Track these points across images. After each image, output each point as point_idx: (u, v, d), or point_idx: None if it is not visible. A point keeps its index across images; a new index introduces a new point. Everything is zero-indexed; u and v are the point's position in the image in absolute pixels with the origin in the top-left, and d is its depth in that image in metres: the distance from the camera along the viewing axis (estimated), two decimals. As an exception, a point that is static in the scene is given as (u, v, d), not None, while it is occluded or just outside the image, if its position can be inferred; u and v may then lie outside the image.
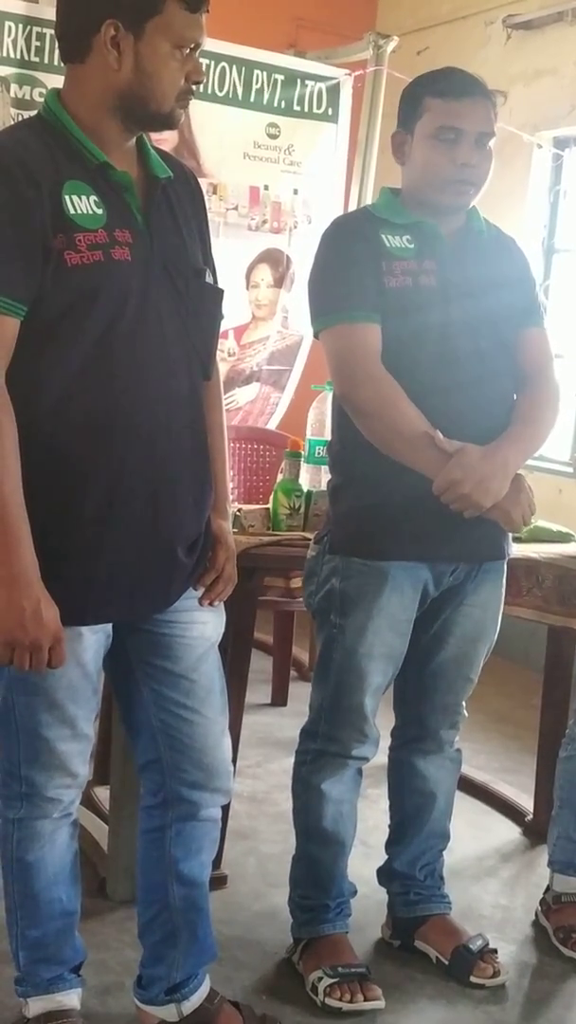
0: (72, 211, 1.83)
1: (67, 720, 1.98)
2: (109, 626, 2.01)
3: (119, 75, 1.85)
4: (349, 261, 2.30)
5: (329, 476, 2.49)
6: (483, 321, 2.33)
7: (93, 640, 1.97)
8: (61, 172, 1.84)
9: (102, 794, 2.91)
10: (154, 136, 2.02)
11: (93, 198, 1.86)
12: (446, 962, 2.53)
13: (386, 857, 2.65)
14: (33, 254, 1.79)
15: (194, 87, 1.89)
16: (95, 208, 1.86)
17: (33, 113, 1.98)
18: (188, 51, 1.86)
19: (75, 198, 1.84)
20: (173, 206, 1.98)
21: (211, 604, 2.08)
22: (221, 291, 2.04)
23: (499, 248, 2.44)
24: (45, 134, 1.88)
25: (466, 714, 2.59)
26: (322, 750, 2.44)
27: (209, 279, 2.02)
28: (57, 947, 2.13)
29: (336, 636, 2.38)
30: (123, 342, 1.86)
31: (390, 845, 2.64)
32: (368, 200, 4.47)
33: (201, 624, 2.06)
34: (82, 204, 1.84)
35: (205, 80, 4.24)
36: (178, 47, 1.84)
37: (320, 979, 2.40)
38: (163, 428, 1.92)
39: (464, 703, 2.57)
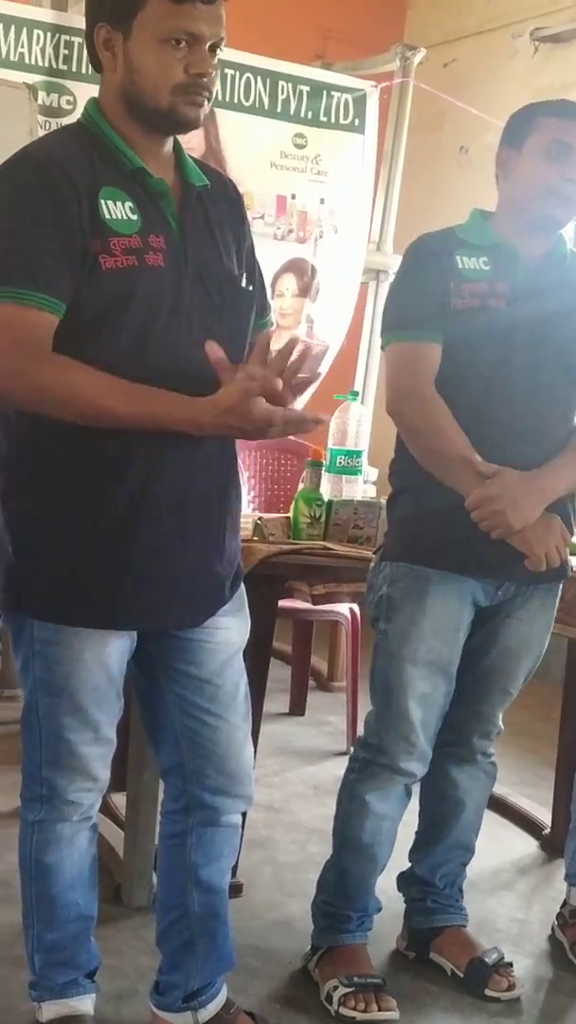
0: (108, 216, 1.84)
1: (90, 723, 1.98)
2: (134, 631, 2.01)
3: (116, 76, 1.87)
4: (419, 280, 2.34)
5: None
6: (548, 348, 2.34)
7: (118, 644, 1.98)
8: (98, 177, 1.85)
9: (118, 800, 2.91)
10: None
11: (128, 204, 1.87)
12: (461, 975, 2.52)
13: (408, 866, 2.64)
14: (73, 255, 1.81)
15: (202, 80, 1.85)
16: (130, 214, 1.87)
17: (62, 121, 2.00)
18: (184, 43, 1.83)
19: (111, 203, 1.85)
20: (208, 213, 1.99)
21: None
22: (252, 293, 2.03)
23: None
24: (84, 139, 1.90)
25: (502, 727, 2.58)
26: (370, 760, 2.43)
27: (244, 283, 2.02)
28: (73, 951, 2.13)
29: (381, 642, 2.39)
30: (156, 346, 1.87)
31: (414, 852, 2.64)
32: (393, 211, 4.49)
33: (226, 629, 2.06)
34: (117, 209, 1.85)
35: (231, 90, 4.29)
36: (167, 40, 1.82)
37: (335, 988, 2.39)
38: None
39: (500, 716, 2.56)
